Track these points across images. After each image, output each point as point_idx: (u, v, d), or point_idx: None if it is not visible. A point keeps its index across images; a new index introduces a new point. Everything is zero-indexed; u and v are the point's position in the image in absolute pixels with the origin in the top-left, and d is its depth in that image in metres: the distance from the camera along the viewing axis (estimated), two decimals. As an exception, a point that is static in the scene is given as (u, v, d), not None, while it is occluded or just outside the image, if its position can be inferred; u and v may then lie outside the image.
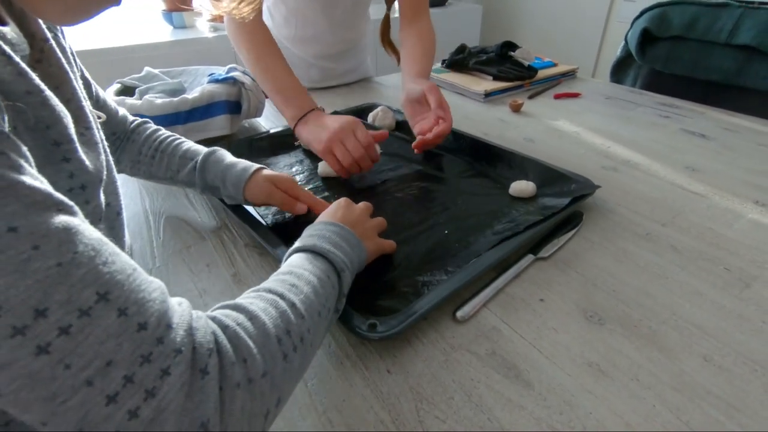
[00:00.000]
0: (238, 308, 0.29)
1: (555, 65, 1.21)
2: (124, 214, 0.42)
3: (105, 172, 0.36)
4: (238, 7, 0.46)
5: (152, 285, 0.24)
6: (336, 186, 0.67)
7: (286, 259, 0.39)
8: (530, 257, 0.51)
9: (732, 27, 0.95)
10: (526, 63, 1.15)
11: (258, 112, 0.84)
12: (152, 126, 0.60)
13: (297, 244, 0.40)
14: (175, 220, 0.61)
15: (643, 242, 0.54)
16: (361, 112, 0.90)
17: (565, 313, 0.44)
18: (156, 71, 0.87)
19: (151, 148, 0.57)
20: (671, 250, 0.53)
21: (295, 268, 0.35)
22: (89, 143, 0.35)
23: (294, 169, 0.73)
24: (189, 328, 0.24)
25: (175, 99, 0.72)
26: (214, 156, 0.56)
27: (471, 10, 2.50)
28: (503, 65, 1.12)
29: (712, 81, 1.04)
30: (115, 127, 0.56)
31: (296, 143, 0.77)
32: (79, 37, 1.64)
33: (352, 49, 1.10)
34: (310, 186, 0.68)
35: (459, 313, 0.43)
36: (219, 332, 0.26)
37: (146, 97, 0.72)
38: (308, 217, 0.53)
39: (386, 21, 1.01)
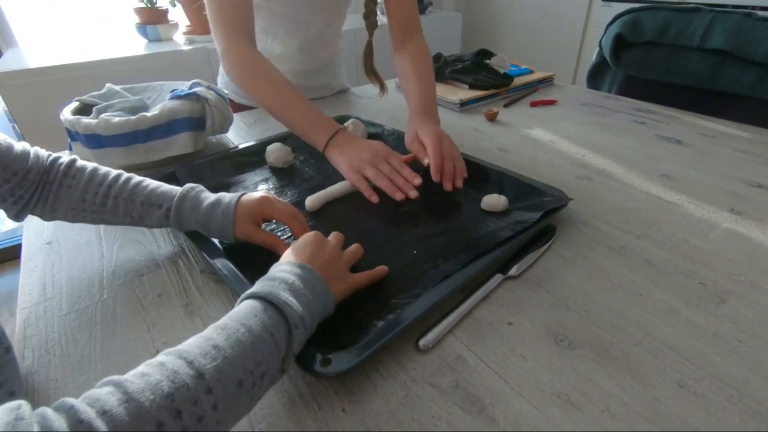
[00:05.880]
0: (118, 386, 0.25)
1: (531, 72, 1.20)
2: (14, 349, 0.35)
3: None
4: None
5: None
6: (300, 207, 0.64)
7: (239, 304, 0.35)
8: (499, 277, 0.49)
9: (703, 31, 0.95)
10: (502, 71, 1.14)
11: (224, 128, 0.82)
12: (89, 165, 0.52)
13: (253, 288, 0.36)
14: (129, 245, 0.58)
15: (618, 257, 0.52)
16: None
17: (535, 337, 0.42)
18: (117, 88, 0.84)
19: (99, 195, 0.50)
20: (646, 265, 0.51)
21: (233, 322, 0.32)
22: None
23: (260, 188, 0.70)
24: None
25: (133, 117, 0.69)
26: (187, 203, 0.51)
27: (451, 17, 2.51)
28: (479, 74, 1.11)
29: (686, 85, 1.04)
30: (12, 166, 0.47)
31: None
32: (49, 52, 1.60)
33: (324, 67, 1.07)
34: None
35: (422, 342, 0.41)
36: None
37: (102, 116, 0.69)
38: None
39: (369, 50, 0.93)
